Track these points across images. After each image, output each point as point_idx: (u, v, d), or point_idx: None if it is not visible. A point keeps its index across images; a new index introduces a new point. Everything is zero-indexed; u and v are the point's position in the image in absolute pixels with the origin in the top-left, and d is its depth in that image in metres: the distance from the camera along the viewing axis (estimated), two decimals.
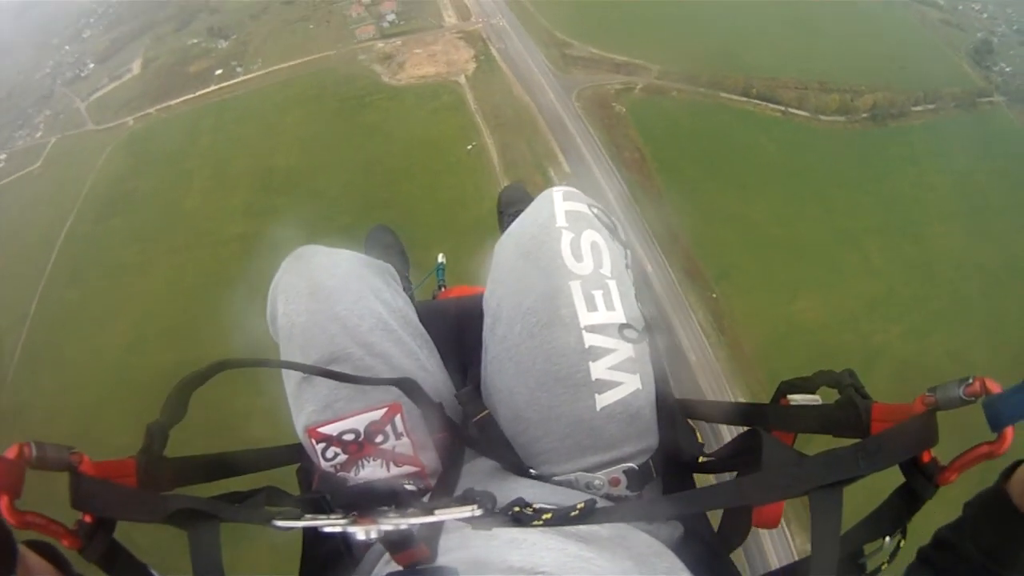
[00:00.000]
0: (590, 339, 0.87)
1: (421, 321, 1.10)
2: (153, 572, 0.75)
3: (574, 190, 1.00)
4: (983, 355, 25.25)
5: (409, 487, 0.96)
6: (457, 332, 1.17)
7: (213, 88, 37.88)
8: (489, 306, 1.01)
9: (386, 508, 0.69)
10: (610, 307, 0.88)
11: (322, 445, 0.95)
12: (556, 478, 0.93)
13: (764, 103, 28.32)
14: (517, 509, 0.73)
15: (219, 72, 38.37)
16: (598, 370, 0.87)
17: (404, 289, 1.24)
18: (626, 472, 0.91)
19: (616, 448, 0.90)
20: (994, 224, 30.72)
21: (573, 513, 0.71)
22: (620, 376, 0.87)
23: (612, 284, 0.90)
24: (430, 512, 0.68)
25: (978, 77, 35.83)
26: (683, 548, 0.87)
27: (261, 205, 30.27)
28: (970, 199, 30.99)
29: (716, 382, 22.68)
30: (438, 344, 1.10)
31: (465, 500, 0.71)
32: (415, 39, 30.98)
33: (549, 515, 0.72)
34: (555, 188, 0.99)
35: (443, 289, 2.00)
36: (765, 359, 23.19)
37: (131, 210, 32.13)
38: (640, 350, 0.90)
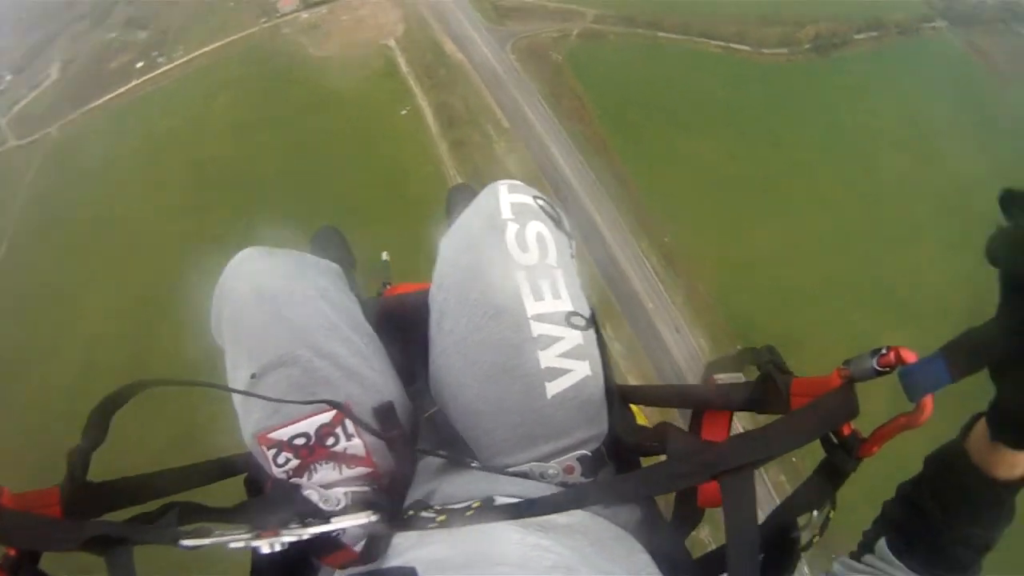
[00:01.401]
0: (538, 328, 0.86)
1: (368, 320, 1.07)
2: None
3: (519, 182, 0.99)
4: (938, 278, 25.66)
5: (361, 489, 0.95)
6: (404, 329, 1.13)
7: (136, 83, 35.68)
8: (435, 300, 0.99)
9: (294, 519, 0.71)
10: (557, 296, 0.88)
11: (273, 451, 0.92)
12: (511, 469, 0.91)
13: (704, 40, 27.49)
14: (412, 512, 0.75)
15: (140, 65, 36.03)
16: (547, 358, 0.86)
17: (350, 288, 1.21)
18: (580, 459, 0.91)
19: (568, 435, 0.90)
20: (942, 148, 31.00)
21: (468, 512, 0.73)
22: (569, 363, 0.87)
23: (558, 273, 0.90)
24: (326, 521, 0.71)
25: (920, 2, 35.72)
26: (641, 530, 0.87)
27: (198, 200, 28.85)
28: (917, 125, 31.12)
29: (675, 326, 22.37)
30: (386, 342, 1.08)
31: (361, 506, 0.75)
32: (341, 5, 29.28)
33: (444, 517, 0.73)
34: (500, 181, 0.99)
35: (388, 287, 1.96)
36: (723, 299, 22.98)
37: (65, 226, 30.31)
38: (588, 337, 0.90)
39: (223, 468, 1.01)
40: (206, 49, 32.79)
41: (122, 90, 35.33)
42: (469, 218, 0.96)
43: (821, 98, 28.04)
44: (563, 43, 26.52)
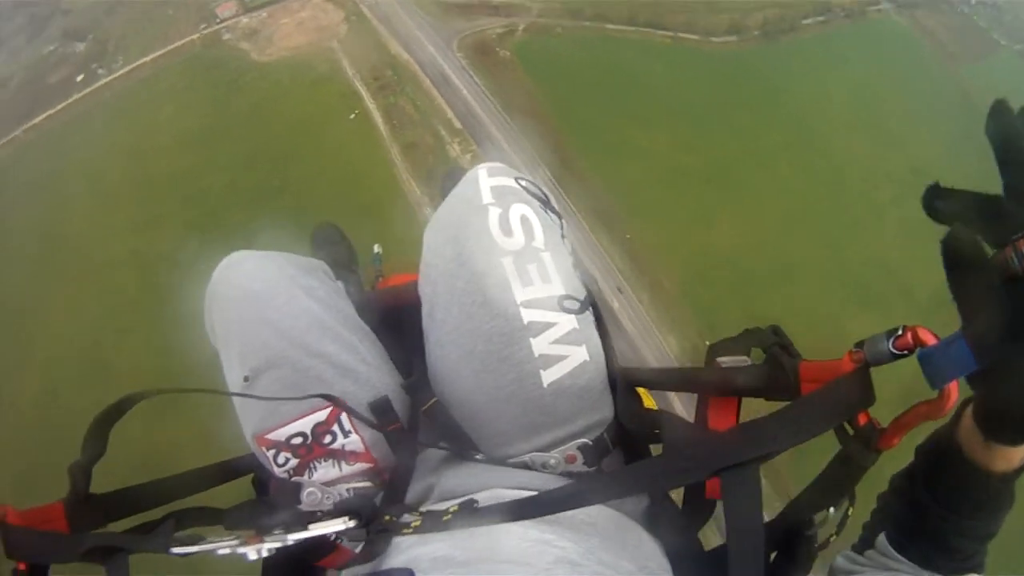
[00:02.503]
0: (528, 315, 0.83)
1: (361, 315, 1.06)
2: None
3: (500, 165, 0.97)
4: (901, 259, 26.06)
5: (363, 484, 0.96)
6: (398, 322, 1.12)
7: (77, 97, 34.12)
8: (424, 292, 0.97)
9: (280, 525, 0.72)
10: (546, 280, 0.85)
11: (272, 452, 0.94)
12: (511, 460, 0.90)
13: (652, 30, 27.35)
14: (388, 518, 0.75)
15: (80, 78, 34.41)
16: (541, 346, 0.83)
17: (351, 283, 1.22)
18: (581, 448, 0.88)
19: (570, 423, 0.87)
20: (894, 130, 31.59)
21: (445, 517, 0.73)
22: (565, 349, 0.84)
23: (546, 256, 0.86)
24: (304, 527, 0.71)
25: None
26: (649, 518, 0.86)
27: (147, 216, 27.86)
28: (869, 107, 31.63)
29: (642, 325, 22.37)
30: (381, 335, 1.06)
31: (339, 512, 0.74)
32: (281, 8, 28.31)
33: (418, 523, 0.73)
34: (480, 165, 0.97)
35: (380, 279, 1.92)
36: (688, 294, 22.94)
37: (11, 249, 28.90)
38: (584, 321, 0.86)
39: (229, 470, 1.03)
40: (146, 59, 31.44)
41: (62, 105, 33.80)
42: (450, 206, 0.94)
43: (773, 84, 28.25)
44: (510, 39, 26.13)
